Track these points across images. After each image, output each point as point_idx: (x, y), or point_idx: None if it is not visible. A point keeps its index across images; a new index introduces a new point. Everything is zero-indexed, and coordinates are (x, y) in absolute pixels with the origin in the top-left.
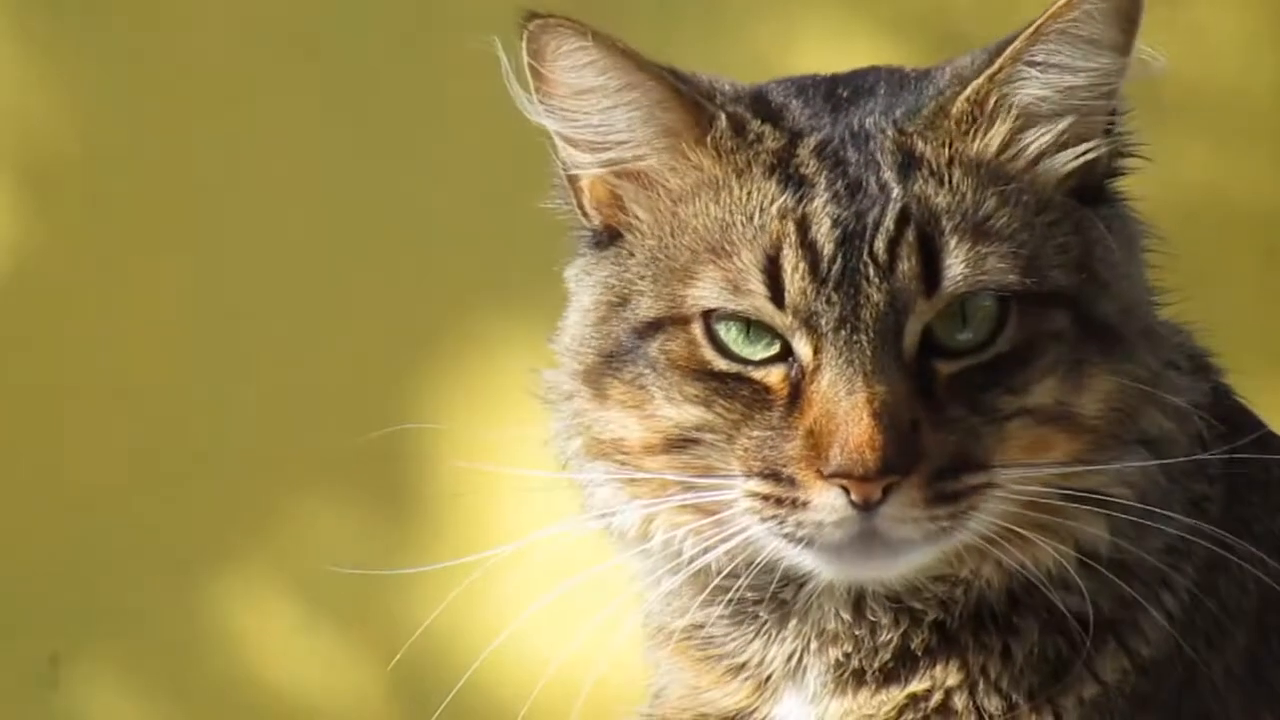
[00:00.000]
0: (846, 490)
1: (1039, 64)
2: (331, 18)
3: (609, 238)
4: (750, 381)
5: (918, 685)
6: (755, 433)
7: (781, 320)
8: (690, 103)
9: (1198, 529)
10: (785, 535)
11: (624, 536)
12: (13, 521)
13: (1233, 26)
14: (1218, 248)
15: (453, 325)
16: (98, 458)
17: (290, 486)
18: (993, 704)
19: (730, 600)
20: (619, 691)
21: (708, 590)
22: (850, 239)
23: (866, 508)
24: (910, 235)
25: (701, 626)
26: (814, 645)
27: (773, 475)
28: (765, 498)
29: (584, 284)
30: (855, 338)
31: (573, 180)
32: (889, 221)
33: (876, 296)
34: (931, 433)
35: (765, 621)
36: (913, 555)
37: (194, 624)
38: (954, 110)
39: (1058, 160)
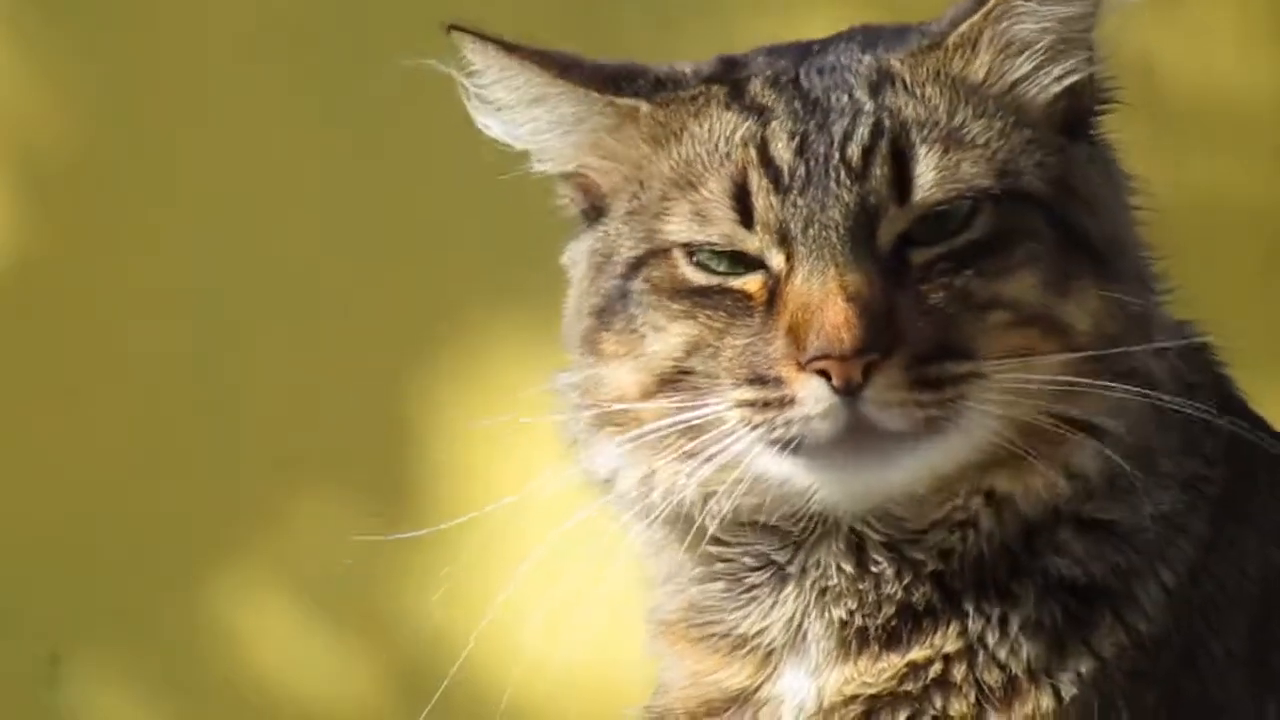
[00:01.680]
0: (828, 376)
1: None
2: (331, 17)
3: (596, 214)
4: (731, 291)
5: (918, 653)
6: (739, 341)
7: (753, 243)
8: (608, 104)
9: (1195, 503)
10: (775, 441)
11: (624, 497)
12: (13, 521)
13: (1233, 26)
14: (1217, 248)
15: (452, 324)
16: (98, 457)
17: (290, 486)
18: (992, 676)
19: (726, 573)
20: (624, 690)
21: (704, 558)
22: (812, 148)
23: (849, 391)
24: (883, 145)
25: (701, 610)
26: (814, 607)
27: (759, 379)
28: (753, 404)
29: (578, 262)
30: (825, 234)
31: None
32: (862, 130)
33: (847, 197)
34: (909, 318)
35: (763, 587)
36: (906, 454)
37: (194, 624)
38: (947, 43)
39: (1038, 84)
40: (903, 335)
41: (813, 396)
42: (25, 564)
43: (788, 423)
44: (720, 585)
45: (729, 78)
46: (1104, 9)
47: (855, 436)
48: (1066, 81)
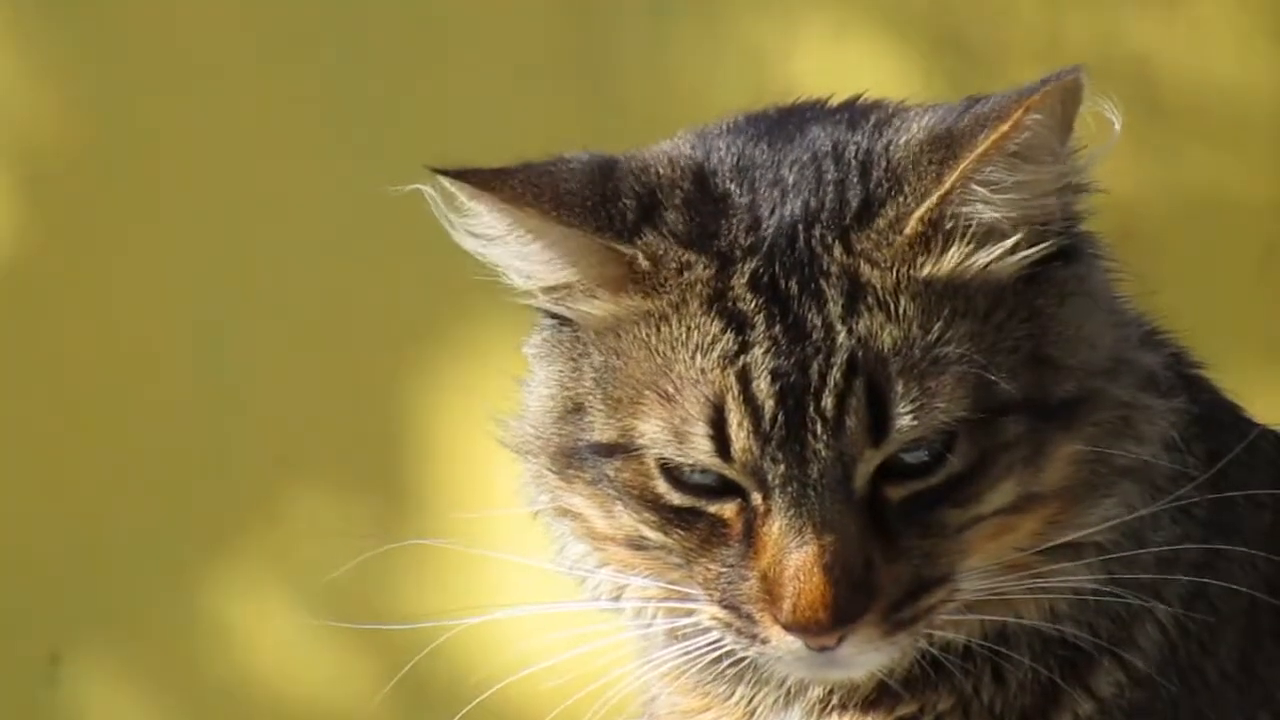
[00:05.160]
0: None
1: (991, 184)
2: (331, 17)
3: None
4: (706, 515)
5: (905, 709)
6: (714, 566)
7: (729, 471)
8: (604, 249)
9: (1188, 532)
10: (751, 652)
11: (597, 596)
12: (13, 521)
13: (1232, 26)
14: (1216, 246)
15: (452, 324)
16: (97, 457)
17: (289, 485)
18: None
19: (703, 662)
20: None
21: (681, 655)
22: (793, 391)
23: (823, 650)
24: (858, 387)
25: (687, 671)
26: (793, 690)
27: (733, 609)
28: (728, 625)
29: (542, 364)
30: (804, 493)
31: None
32: (835, 374)
33: (825, 453)
34: (886, 567)
35: (741, 673)
36: (875, 663)
37: (194, 624)
38: (908, 231)
39: (1010, 263)
40: (879, 591)
41: (787, 647)
42: (25, 564)
43: (760, 653)
44: (698, 669)
45: (700, 233)
46: (1072, 168)
47: (824, 656)
48: (1042, 254)
